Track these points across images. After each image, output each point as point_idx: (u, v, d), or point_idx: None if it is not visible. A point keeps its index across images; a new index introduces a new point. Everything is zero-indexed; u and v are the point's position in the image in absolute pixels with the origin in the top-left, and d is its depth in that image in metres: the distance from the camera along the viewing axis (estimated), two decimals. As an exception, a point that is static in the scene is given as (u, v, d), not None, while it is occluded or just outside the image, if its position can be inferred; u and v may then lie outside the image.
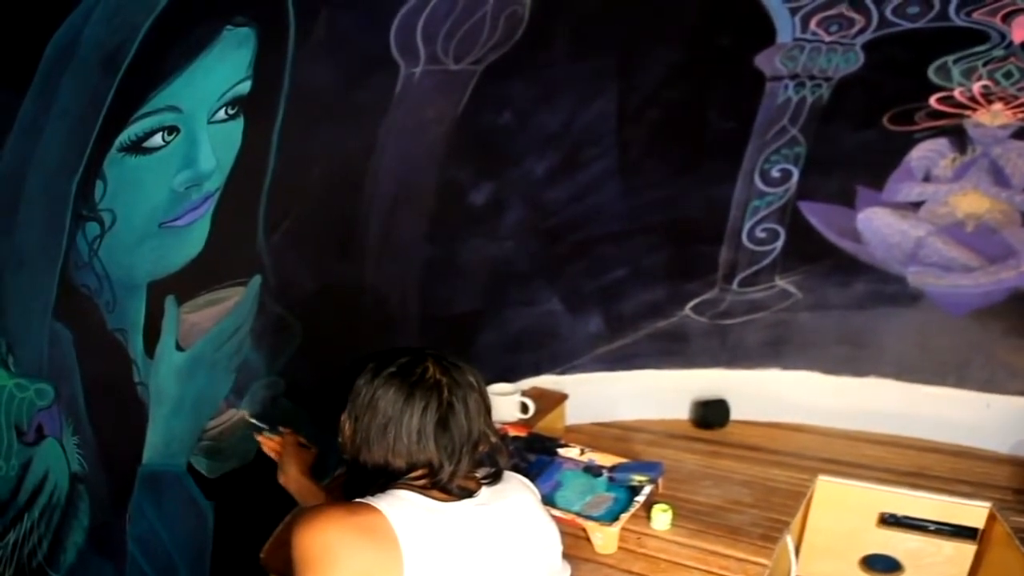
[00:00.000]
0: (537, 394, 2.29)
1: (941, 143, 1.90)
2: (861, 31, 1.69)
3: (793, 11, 1.67)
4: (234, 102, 1.35)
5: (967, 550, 2.02)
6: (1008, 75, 1.70)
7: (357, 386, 1.16)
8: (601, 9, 1.68)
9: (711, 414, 2.36)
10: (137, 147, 1.24)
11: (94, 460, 1.34)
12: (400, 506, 1.07)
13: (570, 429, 2.36)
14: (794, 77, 1.80)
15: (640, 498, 1.79)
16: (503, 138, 1.85)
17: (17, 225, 1.15)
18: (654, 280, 2.19)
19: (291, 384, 1.74)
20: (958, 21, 1.62)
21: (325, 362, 1.60)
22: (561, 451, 1.99)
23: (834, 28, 1.68)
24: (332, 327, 1.78)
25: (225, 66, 1.31)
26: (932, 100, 1.80)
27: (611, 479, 1.88)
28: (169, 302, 1.40)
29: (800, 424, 2.38)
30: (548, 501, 1.71)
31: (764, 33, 1.72)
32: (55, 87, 1.12)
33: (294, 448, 1.51)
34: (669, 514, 1.80)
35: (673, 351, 2.33)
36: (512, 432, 2.04)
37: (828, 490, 2.09)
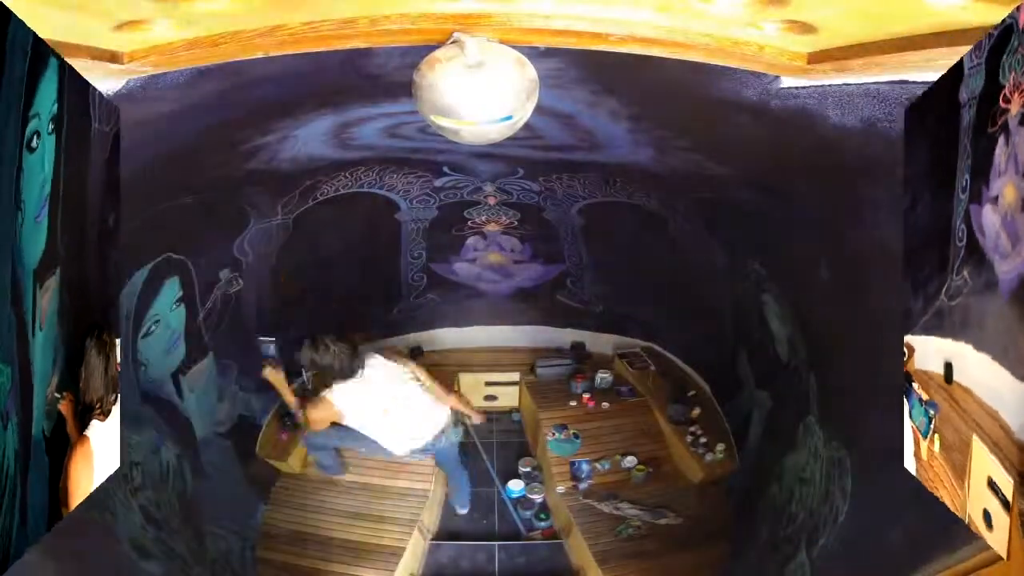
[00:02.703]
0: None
1: (1002, 138, 2.02)
2: (981, 50, 1.90)
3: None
4: (53, 118, 1.53)
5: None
6: (1020, 62, 1.77)
7: None
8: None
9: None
10: (28, 145, 1.44)
11: (18, 438, 1.39)
12: None
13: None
14: (966, 102, 2.08)
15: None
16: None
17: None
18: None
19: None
20: (1007, 19, 1.76)
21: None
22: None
23: (976, 52, 1.91)
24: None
25: (50, 83, 1.50)
26: (1000, 100, 1.96)
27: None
28: (37, 285, 1.52)
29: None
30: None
31: (959, 68, 2.02)
32: (10, 74, 1.33)
33: None
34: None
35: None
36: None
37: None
